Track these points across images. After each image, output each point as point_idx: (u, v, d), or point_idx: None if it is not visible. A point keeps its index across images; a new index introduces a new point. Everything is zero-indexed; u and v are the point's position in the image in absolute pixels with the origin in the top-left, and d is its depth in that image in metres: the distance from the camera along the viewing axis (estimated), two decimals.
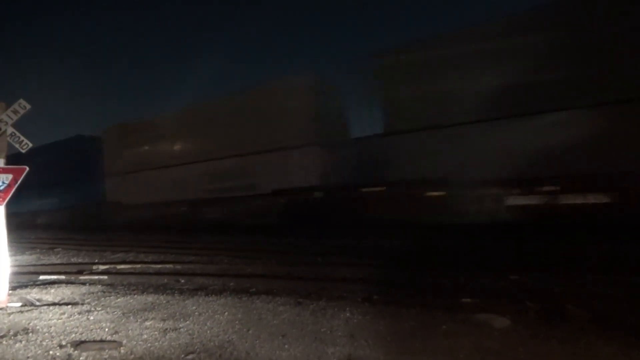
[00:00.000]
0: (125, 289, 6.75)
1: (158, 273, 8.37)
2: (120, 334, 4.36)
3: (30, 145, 5.87)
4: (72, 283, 7.43)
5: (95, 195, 28.12)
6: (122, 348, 3.95)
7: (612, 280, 5.83)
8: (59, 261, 10.86)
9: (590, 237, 9.56)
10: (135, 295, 6.10)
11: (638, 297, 5.14)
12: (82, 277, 8.14)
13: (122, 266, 9.50)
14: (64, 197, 30.67)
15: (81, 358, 3.75)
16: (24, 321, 4.89)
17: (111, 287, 6.89)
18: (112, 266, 9.50)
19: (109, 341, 4.14)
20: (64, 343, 4.12)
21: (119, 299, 5.89)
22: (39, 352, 3.91)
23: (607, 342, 3.65)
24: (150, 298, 5.90)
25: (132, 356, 3.76)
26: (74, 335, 4.36)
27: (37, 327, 4.62)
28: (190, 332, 4.36)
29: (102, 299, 5.97)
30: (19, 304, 5.72)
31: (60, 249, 13.63)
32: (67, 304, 5.73)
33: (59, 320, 4.87)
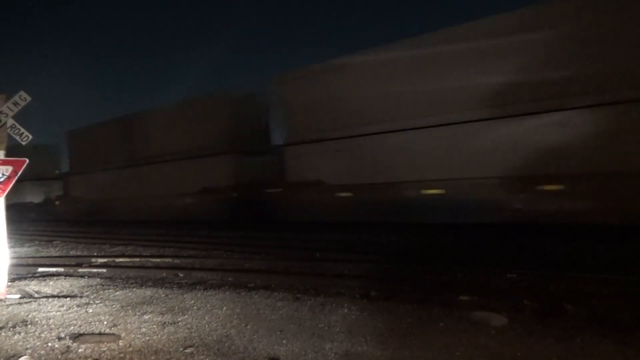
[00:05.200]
0: (124, 282, 6.77)
1: (157, 267, 8.38)
2: (118, 327, 4.38)
3: (30, 137, 5.87)
4: (70, 276, 7.45)
5: None
6: (120, 341, 3.97)
7: (607, 279, 5.85)
8: (57, 254, 10.89)
9: (587, 237, 9.58)
10: (134, 289, 6.12)
11: (633, 296, 5.17)
12: (80, 270, 8.16)
13: (121, 259, 9.51)
14: None
15: (80, 350, 3.77)
16: (22, 313, 4.90)
17: (110, 280, 6.91)
18: (110, 259, 9.52)
19: (108, 334, 4.16)
20: (62, 335, 4.14)
21: (117, 292, 5.91)
22: (38, 343, 3.93)
23: (603, 340, 3.68)
24: (149, 292, 5.92)
25: (131, 349, 3.78)
26: (72, 327, 4.38)
27: (36, 319, 4.64)
28: (188, 326, 4.38)
29: (101, 292, 5.99)
30: (18, 296, 5.73)
31: (59, 242, 13.64)
32: (65, 296, 5.75)
33: (58, 313, 4.89)
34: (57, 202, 30.48)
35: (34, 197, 32.15)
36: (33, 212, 30.14)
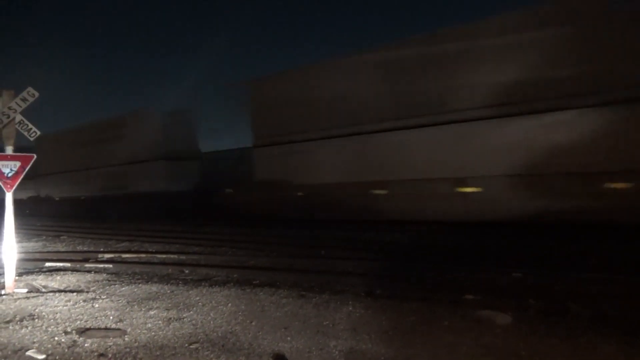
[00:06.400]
0: (130, 278, 6.82)
1: (162, 263, 8.42)
2: (124, 322, 4.41)
3: (39, 133, 5.91)
4: (77, 271, 7.50)
5: None
6: (126, 336, 4.00)
7: (611, 279, 5.83)
8: (64, 249, 10.96)
9: (590, 236, 9.53)
10: (140, 285, 6.16)
11: (637, 296, 5.14)
12: (87, 265, 8.22)
13: (127, 255, 9.56)
14: None
15: (86, 345, 3.81)
16: (29, 307, 4.95)
17: (116, 276, 6.96)
18: (117, 255, 9.57)
19: (114, 329, 4.19)
20: (69, 330, 4.18)
21: (123, 288, 5.95)
22: (45, 337, 3.97)
23: (607, 340, 3.67)
24: (154, 287, 5.95)
25: (136, 344, 3.81)
26: (79, 322, 4.42)
27: (43, 314, 4.69)
28: (193, 322, 4.41)
29: (107, 287, 6.03)
30: (25, 290, 5.79)
31: (65, 237, 13.72)
32: (72, 291, 5.80)
33: (65, 307, 4.94)
34: (229, 190, 19.87)
35: (170, 183, 21.16)
36: (180, 206, 20.05)
